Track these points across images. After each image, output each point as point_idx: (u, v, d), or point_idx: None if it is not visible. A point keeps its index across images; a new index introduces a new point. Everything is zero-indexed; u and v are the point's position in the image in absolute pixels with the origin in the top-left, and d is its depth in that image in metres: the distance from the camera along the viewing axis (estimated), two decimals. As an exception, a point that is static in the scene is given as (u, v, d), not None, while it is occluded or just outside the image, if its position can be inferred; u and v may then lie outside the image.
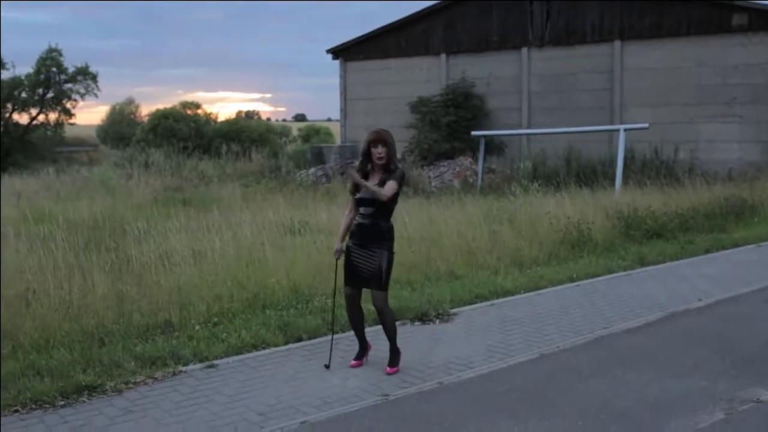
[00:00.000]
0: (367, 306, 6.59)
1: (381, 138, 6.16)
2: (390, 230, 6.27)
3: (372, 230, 6.17)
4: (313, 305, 8.00)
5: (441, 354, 6.75)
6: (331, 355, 6.49)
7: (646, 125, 19.56)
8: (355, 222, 6.27)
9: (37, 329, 6.81)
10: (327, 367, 6.35)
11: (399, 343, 6.46)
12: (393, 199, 6.17)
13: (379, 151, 6.13)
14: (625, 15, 22.95)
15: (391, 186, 6.08)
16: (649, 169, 19.97)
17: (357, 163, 6.45)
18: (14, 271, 8.02)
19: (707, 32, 21.70)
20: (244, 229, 10.59)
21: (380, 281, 6.21)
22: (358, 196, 6.22)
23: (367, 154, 6.22)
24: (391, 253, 6.25)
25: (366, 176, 6.23)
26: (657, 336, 7.36)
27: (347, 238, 6.36)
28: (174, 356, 6.48)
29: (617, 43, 23.04)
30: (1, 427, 5.16)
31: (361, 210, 6.21)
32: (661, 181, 17.22)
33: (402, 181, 6.19)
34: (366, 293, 6.41)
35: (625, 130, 19.40)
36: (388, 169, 6.18)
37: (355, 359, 6.49)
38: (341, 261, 6.35)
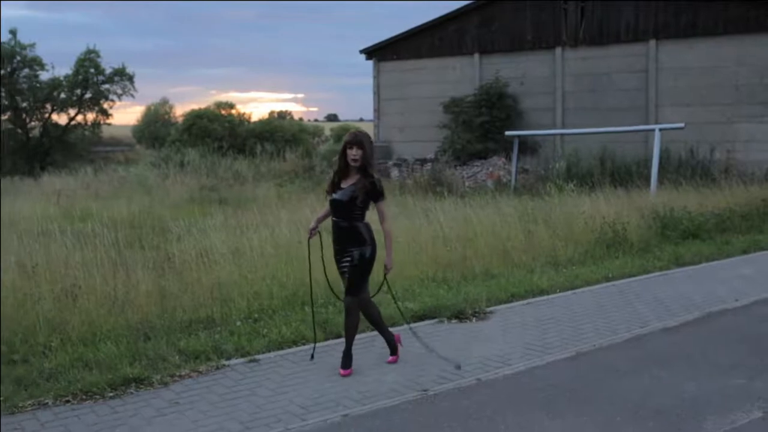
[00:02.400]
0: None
1: (357, 140, 6.21)
2: (368, 230, 6.32)
3: (349, 231, 6.27)
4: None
5: (478, 351, 6.83)
6: (314, 351, 6.63)
7: (681, 125, 19.37)
8: (333, 226, 6.38)
9: (84, 323, 7.02)
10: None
11: (437, 339, 6.54)
12: (364, 203, 6.25)
13: (354, 153, 6.19)
14: (660, 14, 22.78)
15: (385, 213, 6.34)
16: (684, 169, 19.81)
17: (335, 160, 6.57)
18: (61, 266, 8.24)
19: (744, 31, 21.46)
20: (281, 227, 10.74)
21: (352, 282, 6.27)
22: (333, 197, 6.30)
23: (344, 155, 6.29)
24: (371, 253, 6.30)
25: (342, 177, 6.31)
26: (694, 336, 7.38)
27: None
28: (217, 351, 6.65)
29: (652, 43, 22.88)
30: (37, 419, 5.33)
31: (335, 213, 6.32)
32: (697, 181, 17.09)
33: (383, 193, 6.32)
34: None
35: (660, 130, 19.24)
36: (365, 173, 6.24)
37: (391, 355, 6.58)
38: (320, 253, 6.63)
